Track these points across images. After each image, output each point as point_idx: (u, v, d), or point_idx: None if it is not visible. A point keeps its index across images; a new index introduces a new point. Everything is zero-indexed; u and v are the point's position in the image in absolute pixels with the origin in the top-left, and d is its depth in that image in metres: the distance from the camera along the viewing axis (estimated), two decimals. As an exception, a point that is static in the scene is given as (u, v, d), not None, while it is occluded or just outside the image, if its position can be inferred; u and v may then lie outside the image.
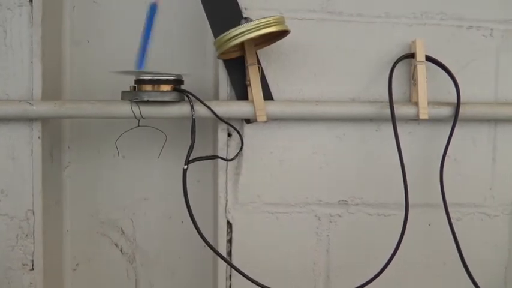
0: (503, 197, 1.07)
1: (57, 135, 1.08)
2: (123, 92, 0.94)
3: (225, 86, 0.99)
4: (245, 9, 0.97)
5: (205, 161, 1.00)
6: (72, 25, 1.08)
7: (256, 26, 0.85)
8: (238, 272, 0.93)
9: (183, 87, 0.96)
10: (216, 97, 1.03)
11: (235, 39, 0.86)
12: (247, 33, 0.85)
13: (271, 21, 0.87)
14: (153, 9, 0.95)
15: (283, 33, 0.92)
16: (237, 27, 0.85)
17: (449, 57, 1.02)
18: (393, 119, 0.95)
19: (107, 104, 0.95)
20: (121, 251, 1.13)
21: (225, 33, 0.86)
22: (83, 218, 1.12)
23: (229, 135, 0.99)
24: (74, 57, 1.08)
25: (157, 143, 1.03)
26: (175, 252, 1.13)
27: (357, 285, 0.94)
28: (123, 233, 1.13)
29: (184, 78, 0.97)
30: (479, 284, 1.05)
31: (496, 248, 1.09)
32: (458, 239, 1.04)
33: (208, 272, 1.12)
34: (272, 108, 0.95)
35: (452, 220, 1.05)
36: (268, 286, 0.92)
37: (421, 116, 0.97)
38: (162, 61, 1.04)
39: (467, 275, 0.98)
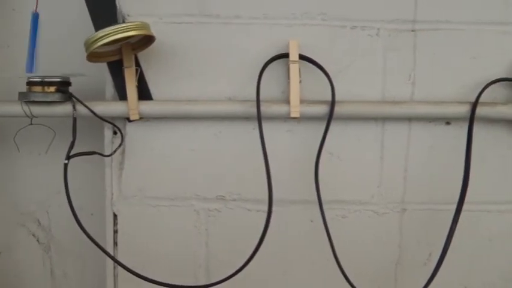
0: (393, 195, 1.08)
1: (-23, 133, 1.19)
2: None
3: (110, 87, 1.05)
4: (128, 15, 1.03)
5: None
6: (-7, 31, 1.18)
7: (113, 31, 0.91)
8: (116, 262, 1.00)
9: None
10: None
11: (98, 41, 0.92)
12: (105, 38, 0.91)
13: (131, 26, 0.92)
14: (35, 18, 1.04)
15: (151, 38, 0.97)
16: (95, 33, 0.92)
17: (333, 56, 1.04)
18: (259, 117, 0.98)
19: (2, 104, 1.04)
20: (38, 241, 1.23)
21: (88, 38, 0.93)
22: (4, 210, 1.22)
23: (114, 133, 1.06)
24: (-4, 60, 1.19)
25: (66, 141, 1.11)
26: (87, 242, 1.19)
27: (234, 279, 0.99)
28: (40, 224, 1.22)
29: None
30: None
31: (386, 245, 1.09)
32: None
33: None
34: (144, 107, 1.01)
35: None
36: (148, 277, 0.99)
37: (292, 115, 1.00)
38: (62, 63, 1.13)
39: (339, 270, 1.00)
